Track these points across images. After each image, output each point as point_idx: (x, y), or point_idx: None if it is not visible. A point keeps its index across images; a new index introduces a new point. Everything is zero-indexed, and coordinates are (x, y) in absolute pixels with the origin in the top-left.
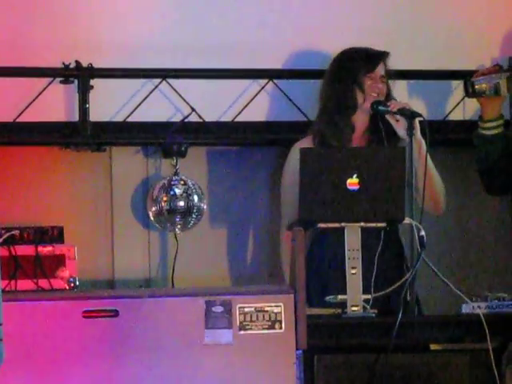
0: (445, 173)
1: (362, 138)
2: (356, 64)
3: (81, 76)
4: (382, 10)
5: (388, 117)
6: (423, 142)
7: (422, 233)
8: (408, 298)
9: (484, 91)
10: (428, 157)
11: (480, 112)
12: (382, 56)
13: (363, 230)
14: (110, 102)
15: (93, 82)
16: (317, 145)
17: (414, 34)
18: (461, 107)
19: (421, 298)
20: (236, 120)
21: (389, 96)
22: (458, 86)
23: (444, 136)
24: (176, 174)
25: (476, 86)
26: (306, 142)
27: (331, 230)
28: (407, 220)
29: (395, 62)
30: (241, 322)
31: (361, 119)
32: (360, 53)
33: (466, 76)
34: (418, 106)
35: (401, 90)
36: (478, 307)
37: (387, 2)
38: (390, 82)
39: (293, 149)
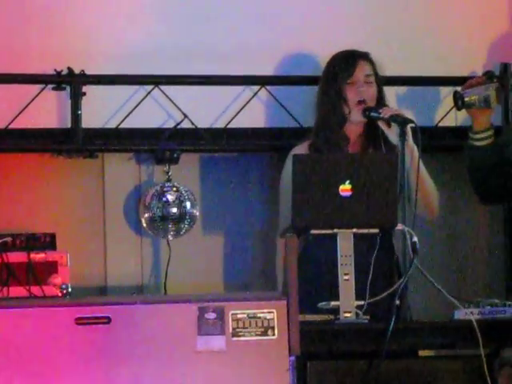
0: (437, 179)
1: (356, 145)
2: (336, 74)
3: (73, 83)
4: (373, 16)
5: (380, 123)
6: (415, 148)
7: (415, 239)
8: (398, 304)
9: (474, 103)
10: (420, 162)
11: (470, 123)
12: (358, 58)
13: (356, 235)
14: (103, 109)
15: (85, 88)
16: (313, 152)
17: (405, 40)
18: (452, 113)
19: (413, 303)
20: (228, 126)
21: (380, 99)
22: (449, 92)
23: (436, 142)
24: (168, 180)
25: (466, 99)
26: (303, 148)
27: (323, 236)
28: (400, 226)
29: (387, 68)
30: (233, 329)
31: (352, 129)
32: (338, 60)
33: (457, 82)
34: (409, 112)
35: (392, 97)
36: (471, 313)
37: (379, 9)
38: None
39: (290, 154)
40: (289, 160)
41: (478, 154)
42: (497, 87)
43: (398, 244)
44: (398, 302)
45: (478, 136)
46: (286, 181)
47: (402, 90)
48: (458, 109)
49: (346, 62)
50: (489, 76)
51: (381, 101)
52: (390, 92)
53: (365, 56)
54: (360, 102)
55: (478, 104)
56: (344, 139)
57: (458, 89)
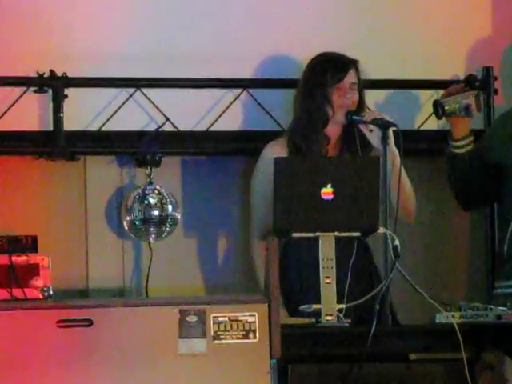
0: (418, 182)
1: (334, 147)
2: (324, 77)
3: (55, 85)
4: (355, 19)
5: (362, 127)
6: (397, 151)
7: (396, 242)
8: (379, 307)
9: (454, 112)
10: (401, 166)
11: (450, 130)
12: (349, 66)
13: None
14: (84, 112)
15: (67, 91)
16: (291, 151)
17: (387, 44)
18: (434, 117)
19: (395, 307)
20: (210, 129)
21: (361, 104)
22: (431, 95)
23: (418, 145)
24: (150, 183)
25: (446, 107)
26: (280, 143)
27: (304, 239)
28: (381, 229)
29: (368, 72)
30: (215, 332)
31: (333, 130)
32: (328, 63)
33: (439, 86)
34: (391, 115)
35: (374, 100)
36: (452, 317)
37: (361, 12)
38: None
39: (267, 147)
40: (264, 153)
41: (458, 162)
42: (476, 94)
43: (374, 247)
44: (377, 306)
45: (457, 144)
46: (261, 173)
47: (384, 93)
48: (438, 117)
49: (337, 67)
50: (468, 82)
51: (361, 106)
52: (372, 95)
53: (355, 64)
54: (342, 107)
55: (459, 113)
56: (324, 139)
57: (438, 96)
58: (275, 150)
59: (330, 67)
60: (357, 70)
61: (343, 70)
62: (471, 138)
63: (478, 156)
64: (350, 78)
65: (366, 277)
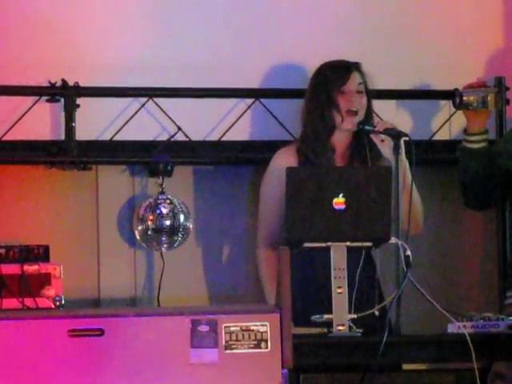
0: (430, 192)
1: (343, 157)
2: (328, 82)
3: (67, 95)
4: (368, 29)
5: (373, 136)
6: (407, 162)
7: (408, 252)
8: (391, 318)
9: (471, 103)
10: (412, 178)
11: (466, 125)
12: (351, 68)
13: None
14: (96, 121)
15: (79, 100)
16: (300, 160)
17: (399, 54)
18: (447, 127)
19: (406, 317)
20: (222, 139)
21: (369, 104)
22: (444, 105)
23: (430, 155)
24: (162, 193)
25: (464, 98)
26: (290, 152)
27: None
28: (393, 239)
29: (381, 82)
30: (226, 341)
31: (341, 138)
32: (330, 68)
33: (453, 95)
34: (403, 125)
35: (387, 110)
36: (464, 327)
37: (373, 21)
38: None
39: (276, 155)
40: (275, 160)
41: (470, 157)
42: (497, 91)
43: (377, 258)
44: (377, 313)
45: (471, 138)
46: (268, 186)
47: (397, 103)
48: (456, 107)
49: (340, 70)
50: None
51: (370, 111)
52: (385, 105)
53: (357, 66)
54: (351, 112)
55: (476, 104)
56: (330, 150)
57: (450, 107)
58: (284, 158)
59: (333, 72)
60: (360, 72)
61: (346, 72)
62: (486, 136)
63: (489, 157)
64: (354, 80)
65: (369, 288)
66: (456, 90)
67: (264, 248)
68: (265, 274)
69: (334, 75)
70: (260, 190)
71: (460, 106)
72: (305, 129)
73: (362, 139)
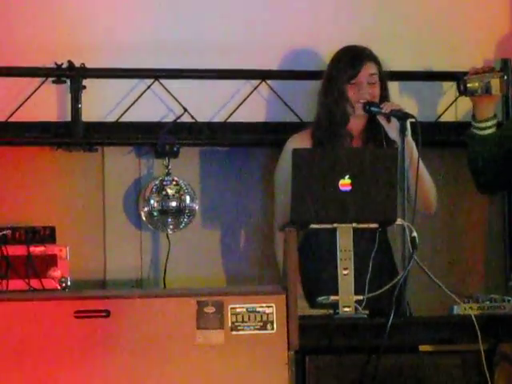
0: (437, 173)
1: (358, 140)
2: (339, 73)
3: (73, 76)
4: (375, 11)
5: (380, 118)
6: (413, 143)
7: (414, 234)
8: (399, 299)
9: (476, 90)
10: (419, 158)
11: (472, 112)
12: (363, 60)
13: (354, 230)
14: (103, 102)
15: (85, 82)
16: (314, 144)
17: (407, 35)
18: (453, 108)
19: (412, 298)
20: (228, 120)
21: (384, 97)
22: (450, 87)
23: (436, 137)
24: (168, 174)
25: (468, 85)
26: (304, 136)
27: (322, 230)
28: (399, 221)
29: (388, 63)
30: (232, 323)
31: (355, 124)
32: (344, 58)
33: (458, 77)
34: (410, 107)
35: (393, 91)
36: (470, 308)
37: (382, 3)
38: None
39: (290, 140)
40: (288, 145)
41: (479, 143)
42: (501, 76)
43: (393, 239)
44: (395, 297)
45: (480, 125)
46: (283, 171)
47: (403, 84)
48: (460, 94)
49: (352, 62)
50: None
51: (384, 99)
52: (391, 86)
53: (371, 56)
54: (361, 103)
55: (480, 91)
56: (348, 136)
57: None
58: (299, 143)
59: (346, 63)
60: (375, 62)
61: (358, 64)
62: (494, 121)
63: (498, 141)
64: (367, 71)
65: (386, 272)
66: (460, 76)
67: (280, 231)
68: (280, 257)
69: (346, 68)
70: (274, 176)
71: (465, 93)
72: (319, 113)
73: (374, 123)
